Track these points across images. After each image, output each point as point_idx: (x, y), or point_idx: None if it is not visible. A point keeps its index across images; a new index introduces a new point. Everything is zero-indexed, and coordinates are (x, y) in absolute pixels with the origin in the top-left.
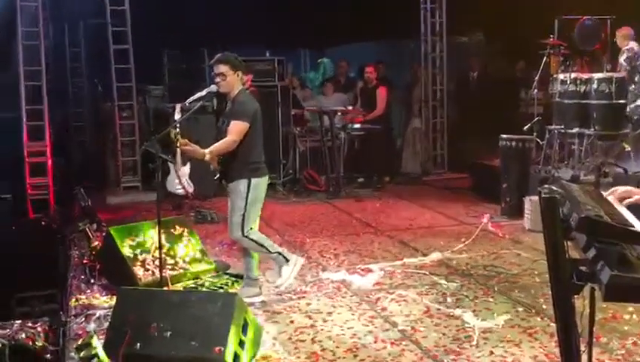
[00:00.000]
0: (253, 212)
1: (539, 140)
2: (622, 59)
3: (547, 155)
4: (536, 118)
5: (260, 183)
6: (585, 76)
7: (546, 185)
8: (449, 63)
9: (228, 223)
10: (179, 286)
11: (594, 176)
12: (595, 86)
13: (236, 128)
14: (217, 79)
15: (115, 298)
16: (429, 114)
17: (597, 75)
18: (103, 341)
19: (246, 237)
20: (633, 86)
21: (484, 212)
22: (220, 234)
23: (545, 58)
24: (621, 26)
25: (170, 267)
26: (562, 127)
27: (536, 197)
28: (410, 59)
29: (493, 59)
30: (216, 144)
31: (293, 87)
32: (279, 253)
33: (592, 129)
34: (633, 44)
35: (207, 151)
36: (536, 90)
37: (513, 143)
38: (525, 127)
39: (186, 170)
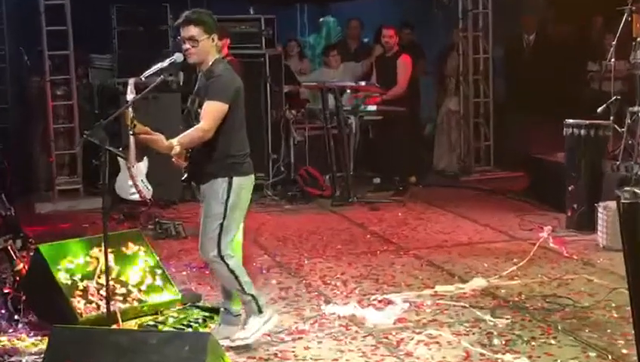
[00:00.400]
0: (233, 222)
1: (617, 127)
2: None
3: (628, 147)
4: (614, 98)
5: (244, 184)
6: None
7: (627, 188)
8: (496, 24)
9: (199, 238)
10: (132, 324)
11: None
12: None
13: (211, 111)
14: (186, 45)
15: (46, 340)
16: (469, 92)
17: None
18: None
19: (222, 258)
20: None
21: (543, 223)
22: (188, 254)
23: (625, 16)
24: None
25: (120, 298)
26: None
27: (613, 204)
28: (444, 19)
29: (555, 18)
30: (186, 133)
31: (286, 55)
32: (254, 298)
33: None
34: None
35: (174, 141)
36: (613, 60)
37: (582, 131)
38: (599, 109)
39: (142, 167)
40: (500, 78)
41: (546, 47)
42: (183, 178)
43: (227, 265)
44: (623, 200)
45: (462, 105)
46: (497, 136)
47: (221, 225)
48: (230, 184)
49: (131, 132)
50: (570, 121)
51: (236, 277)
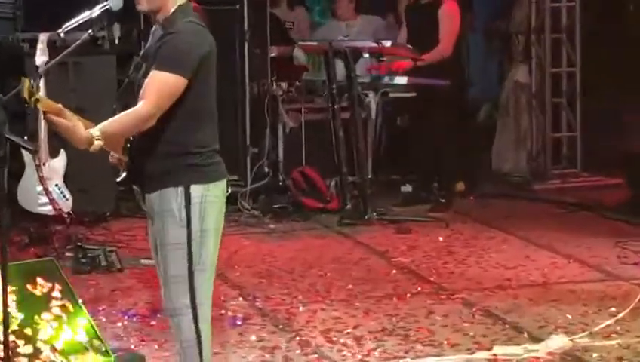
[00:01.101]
0: (207, 252)
1: None
2: None
3: None
4: None
5: (211, 195)
6: None
7: None
8: None
9: (160, 280)
10: None
11: None
12: None
13: (158, 87)
14: None
15: None
16: (545, 58)
17: None
18: None
19: (192, 312)
20: None
21: None
22: (125, 295)
23: None
24: None
25: (25, 360)
26: None
27: None
28: None
29: None
30: (117, 117)
31: (273, 2)
32: None
33: None
34: None
35: (95, 132)
36: None
37: None
38: None
39: (57, 166)
40: (593, 38)
41: None
42: (120, 178)
43: (196, 326)
44: None
45: (534, 78)
46: (587, 124)
47: (189, 260)
48: (188, 196)
49: (38, 111)
50: None
51: (199, 346)
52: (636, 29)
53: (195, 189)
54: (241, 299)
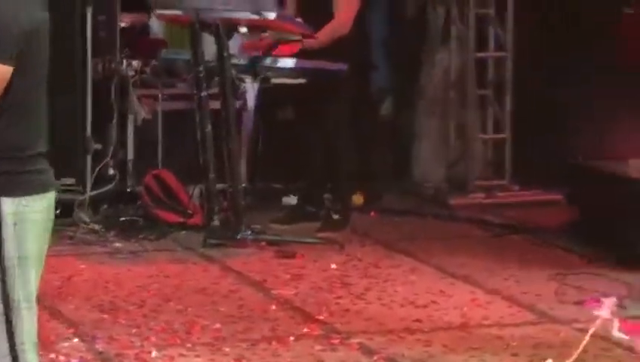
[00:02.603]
0: (26, 284)
1: None
2: None
3: None
4: None
5: (30, 211)
6: None
7: None
8: None
9: None
10: None
11: None
12: None
13: None
14: None
15: None
16: (467, 38)
17: None
18: None
19: (14, 359)
20: None
21: (601, 292)
22: None
23: None
24: None
25: None
26: None
27: None
28: None
29: None
30: None
31: None
32: None
33: None
34: None
35: None
36: None
37: None
38: None
39: None
40: (529, 16)
41: None
42: None
43: None
44: None
45: (453, 64)
46: (519, 123)
47: (3, 293)
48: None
49: None
50: None
51: None
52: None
53: (8, 204)
54: (76, 339)
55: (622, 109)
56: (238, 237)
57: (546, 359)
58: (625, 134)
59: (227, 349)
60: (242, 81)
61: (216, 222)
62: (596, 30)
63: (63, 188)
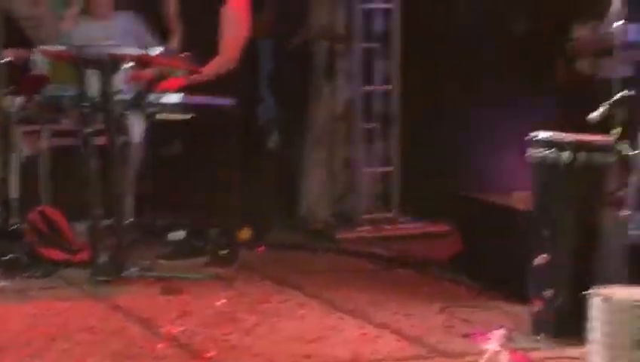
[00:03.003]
0: None
1: (626, 147)
2: None
3: None
4: (621, 93)
5: None
6: None
7: None
8: None
9: None
10: None
11: None
12: None
13: None
14: None
15: None
16: (354, 72)
17: None
18: None
19: None
20: None
21: (490, 324)
22: None
23: None
24: None
25: None
26: None
27: (623, 292)
28: None
29: None
30: None
31: None
32: None
33: None
34: None
35: None
36: (618, 21)
37: (564, 155)
38: (593, 115)
39: None
40: (416, 49)
41: None
42: None
43: None
44: None
45: (340, 98)
46: (407, 156)
47: None
48: None
49: None
50: (540, 134)
51: None
52: (467, 39)
53: None
54: None
55: (507, 142)
56: (125, 273)
57: None
58: (510, 166)
59: None
60: (127, 116)
61: (102, 259)
62: (482, 63)
63: None
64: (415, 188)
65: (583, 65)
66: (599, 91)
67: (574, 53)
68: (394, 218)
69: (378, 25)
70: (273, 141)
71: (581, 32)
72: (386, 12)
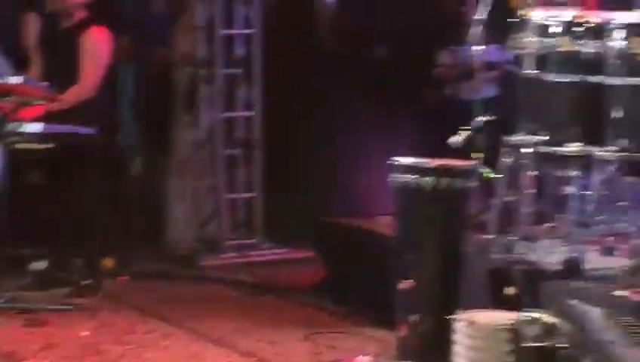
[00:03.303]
0: None
1: (487, 171)
2: None
3: (507, 208)
4: (482, 117)
5: None
6: (595, 18)
7: (512, 292)
8: None
9: None
10: None
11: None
12: (617, 43)
13: None
14: None
15: None
16: (216, 98)
17: (623, 17)
18: None
19: None
20: None
21: (355, 349)
22: None
23: None
24: None
25: None
26: (542, 137)
27: (485, 316)
28: None
29: None
30: None
31: None
32: None
33: (615, 146)
34: None
35: None
36: (477, 47)
37: (426, 180)
38: (453, 139)
39: None
40: (277, 74)
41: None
42: None
43: None
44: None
45: (202, 124)
46: (270, 182)
47: None
48: None
49: None
50: (401, 160)
51: None
52: (331, 63)
53: None
54: None
55: (372, 167)
56: None
57: None
58: (374, 191)
59: None
60: None
61: None
62: (346, 87)
63: None
64: (279, 214)
65: (448, 90)
66: (463, 115)
67: (439, 77)
68: (258, 244)
69: (239, 50)
70: (136, 168)
71: (444, 57)
72: (248, 37)
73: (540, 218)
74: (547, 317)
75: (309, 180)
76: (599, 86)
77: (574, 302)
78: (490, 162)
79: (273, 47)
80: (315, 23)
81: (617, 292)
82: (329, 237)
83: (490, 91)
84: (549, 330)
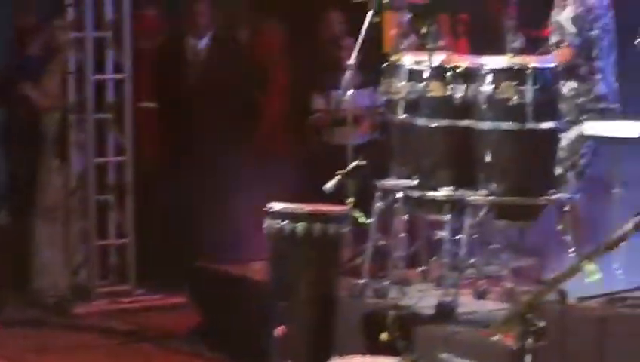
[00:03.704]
0: None
1: (359, 215)
2: (560, 16)
3: (380, 252)
4: (354, 163)
5: None
6: (465, 63)
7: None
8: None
9: None
10: None
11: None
12: (487, 88)
13: None
14: None
15: None
16: (87, 144)
17: (493, 62)
18: None
19: None
20: (576, 84)
21: None
22: None
23: (370, 17)
24: None
25: None
26: (414, 181)
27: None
28: None
29: (252, 10)
30: None
31: None
32: None
33: (485, 190)
34: None
35: None
36: (351, 91)
37: (299, 226)
38: (328, 185)
39: None
40: (148, 119)
41: (231, 62)
42: None
43: None
44: None
45: (72, 170)
46: (142, 227)
47: None
48: None
49: None
50: (275, 206)
51: None
52: (199, 105)
53: None
54: None
55: (246, 212)
56: None
57: None
58: (247, 237)
59: None
60: None
61: None
62: (218, 132)
63: None
64: (152, 260)
65: (323, 135)
66: (337, 160)
67: (315, 123)
68: (131, 290)
69: (110, 95)
70: (2, 216)
71: (319, 102)
72: (118, 82)
73: (412, 262)
74: None
75: (183, 225)
76: (469, 130)
77: (446, 355)
78: (363, 207)
79: (143, 92)
80: (185, 69)
81: (491, 338)
82: (203, 283)
83: (362, 136)
84: None
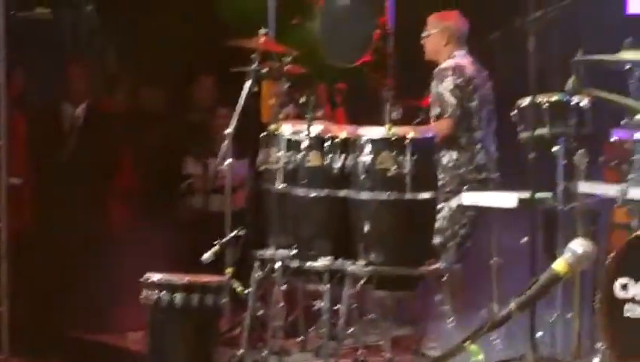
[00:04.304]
0: None
1: (238, 285)
2: (439, 87)
3: (259, 322)
4: (233, 233)
5: None
6: (343, 133)
7: None
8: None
9: None
10: None
11: None
12: (365, 158)
13: None
14: None
15: None
16: None
17: (371, 132)
18: None
19: None
20: (456, 154)
21: None
22: None
23: (250, 84)
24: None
25: None
26: (290, 250)
27: None
28: None
29: (132, 73)
30: None
31: None
32: None
33: (364, 260)
34: (462, 58)
35: None
36: (230, 159)
37: (177, 296)
38: (205, 256)
39: None
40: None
41: (108, 129)
42: None
43: None
44: None
45: None
46: (16, 295)
47: None
48: None
49: None
50: (152, 276)
51: None
52: (72, 175)
53: None
54: None
55: (121, 282)
56: None
57: None
58: (124, 307)
59: None
60: None
61: None
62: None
63: None
64: (25, 329)
65: (198, 202)
66: (214, 228)
67: (189, 190)
68: (5, 360)
69: None
70: None
71: (194, 169)
72: None
73: (291, 332)
74: None
75: (58, 293)
76: (348, 200)
77: None
78: (242, 276)
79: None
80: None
81: None
82: (79, 353)
83: (239, 205)
84: None
